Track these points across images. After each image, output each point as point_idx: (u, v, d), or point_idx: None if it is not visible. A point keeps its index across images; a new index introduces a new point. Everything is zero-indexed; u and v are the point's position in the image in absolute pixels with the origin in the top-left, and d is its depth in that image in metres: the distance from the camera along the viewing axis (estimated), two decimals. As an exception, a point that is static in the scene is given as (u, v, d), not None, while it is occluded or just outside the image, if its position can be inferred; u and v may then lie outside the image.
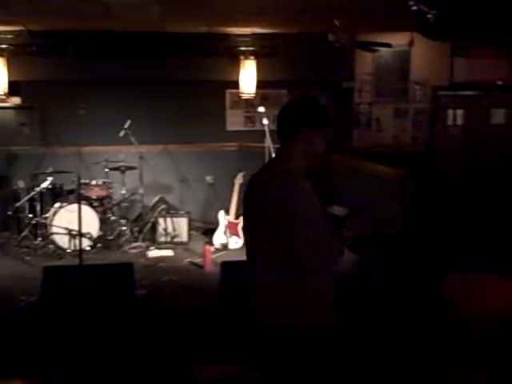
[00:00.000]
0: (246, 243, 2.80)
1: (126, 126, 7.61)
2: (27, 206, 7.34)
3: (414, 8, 5.88)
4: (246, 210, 2.76)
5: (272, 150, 6.15)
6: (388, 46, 8.55)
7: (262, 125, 6.42)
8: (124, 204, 7.83)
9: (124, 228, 7.56)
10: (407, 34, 8.80)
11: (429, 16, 6.01)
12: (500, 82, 9.12)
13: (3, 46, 7.99)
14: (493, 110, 9.29)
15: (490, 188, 8.14)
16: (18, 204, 7.42)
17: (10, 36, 8.00)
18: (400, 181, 6.23)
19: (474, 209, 7.82)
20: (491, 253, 7.02)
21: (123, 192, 7.71)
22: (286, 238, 2.51)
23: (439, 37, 7.81)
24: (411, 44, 8.94)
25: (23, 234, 7.30)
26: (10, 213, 7.50)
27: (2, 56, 7.98)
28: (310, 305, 2.57)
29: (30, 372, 4.42)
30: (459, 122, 9.26)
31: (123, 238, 7.47)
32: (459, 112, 9.23)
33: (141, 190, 7.75)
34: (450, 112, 9.24)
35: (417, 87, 9.12)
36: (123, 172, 7.61)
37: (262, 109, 6.47)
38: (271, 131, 6.26)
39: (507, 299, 6.13)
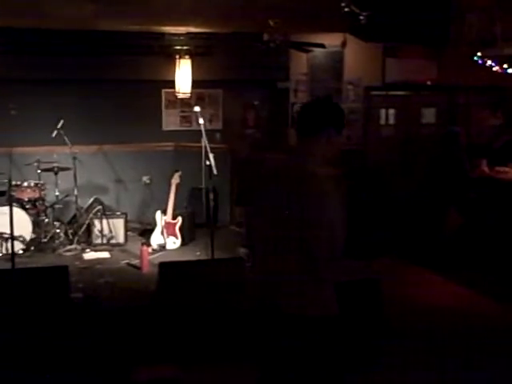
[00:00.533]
0: (252, 228, 3.07)
1: (59, 125, 7.47)
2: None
3: (346, 9, 6.00)
4: (262, 197, 2.88)
5: (208, 149, 6.15)
6: (322, 46, 8.70)
7: (198, 124, 6.40)
8: (58, 206, 7.67)
9: (58, 230, 7.41)
10: (340, 35, 8.98)
11: (361, 17, 6.15)
12: (429, 83, 9.40)
13: None
14: (423, 110, 9.56)
15: (419, 185, 8.38)
16: None
17: None
18: (335, 179, 6.33)
19: (404, 206, 8.05)
20: (419, 247, 7.27)
21: (57, 193, 7.55)
22: (310, 222, 2.65)
23: (371, 38, 7.98)
24: (344, 45, 9.11)
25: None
26: None
27: None
28: (318, 292, 2.69)
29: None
30: (391, 121, 9.49)
31: (58, 241, 7.33)
32: (391, 111, 9.46)
33: (75, 192, 7.61)
34: (383, 111, 9.45)
35: (350, 87, 9.29)
36: (56, 173, 7.46)
37: (197, 108, 6.47)
38: (207, 131, 6.26)
39: (434, 293, 6.35)
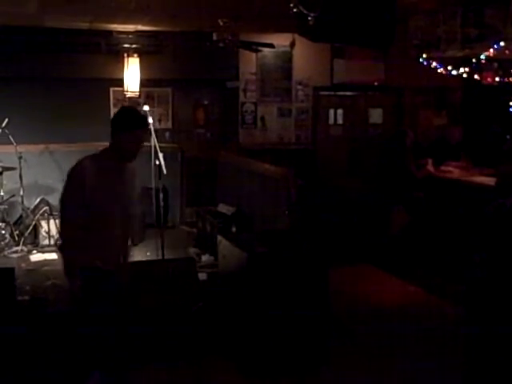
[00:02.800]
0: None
1: (4, 124, 7.30)
2: None
3: (295, 10, 6.04)
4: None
5: (158, 148, 6.11)
6: (271, 46, 8.74)
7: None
8: (3, 206, 7.48)
9: (4, 232, 7.23)
10: (289, 35, 9.05)
11: (309, 18, 6.21)
12: (376, 83, 9.56)
13: None
14: (371, 110, 9.73)
15: (366, 184, 8.52)
16: None
17: None
18: (285, 178, 6.39)
19: (352, 205, 8.18)
20: (369, 246, 7.39)
21: (1, 194, 7.38)
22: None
23: (319, 39, 8.06)
24: (293, 45, 9.19)
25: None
26: None
27: None
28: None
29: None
30: (340, 121, 9.62)
31: (3, 242, 7.16)
32: (339, 111, 9.59)
33: (21, 192, 7.44)
34: (331, 111, 9.57)
35: (299, 87, 9.37)
36: (1, 173, 7.30)
37: (146, 107, 6.41)
38: (157, 130, 6.22)
39: (384, 291, 6.47)
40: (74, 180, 3.60)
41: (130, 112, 3.83)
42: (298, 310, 4.62)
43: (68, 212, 3.65)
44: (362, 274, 6.89)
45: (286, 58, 9.25)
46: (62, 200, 3.69)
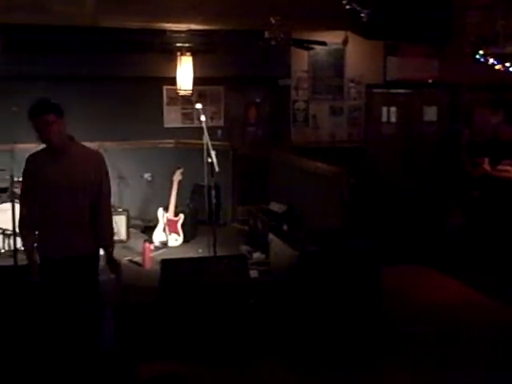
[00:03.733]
0: None
1: (61, 122, 7.43)
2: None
3: (348, 7, 6.00)
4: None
5: (210, 146, 6.15)
6: (323, 44, 8.69)
7: (200, 121, 6.40)
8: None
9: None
10: (342, 33, 8.98)
11: (362, 15, 6.15)
12: (431, 81, 9.40)
13: None
14: (425, 108, 9.56)
15: (421, 184, 8.38)
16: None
17: None
18: (338, 177, 6.35)
19: (406, 204, 8.05)
20: (423, 246, 7.26)
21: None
22: None
23: (372, 36, 7.98)
24: (345, 42, 9.12)
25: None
26: None
27: None
28: None
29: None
30: (393, 119, 9.49)
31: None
32: (393, 109, 9.46)
33: (77, 188, 7.60)
34: (384, 109, 9.46)
35: (351, 85, 9.30)
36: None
37: (199, 105, 6.45)
38: (209, 128, 6.26)
39: (438, 292, 6.35)
40: (23, 175, 3.92)
41: (32, 104, 3.89)
42: (349, 310, 4.59)
43: (20, 202, 3.94)
44: (415, 275, 6.78)
45: (339, 56, 9.18)
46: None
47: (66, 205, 3.80)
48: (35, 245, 3.91)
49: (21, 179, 7.03)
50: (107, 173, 4.03)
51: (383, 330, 4.85)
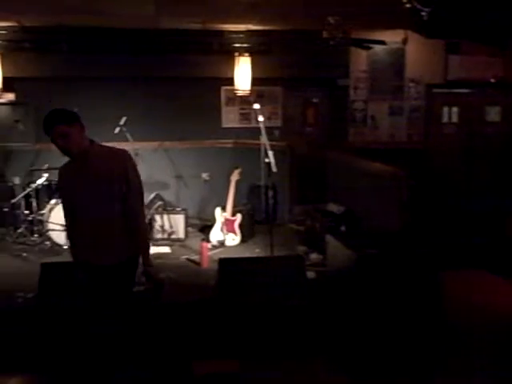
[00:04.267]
0: None
1: (122, 122, 7.58)
2: (23, 203, 7.32)
3: (408, 6, 5.90)
4: None
5: (268, 146, 6.16)
6: (382, 43, 8.59)
7: (258, 121, 6.42)
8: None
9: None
10: (401, 32, 8.85)
11: (422, 14, 6.04)
12: (493, 80, 9.17)
13: (-4, 42, 7.98)
14: (488, 108, 9.33)
15: (484, 185, 8.19)
16: (13, 200, 7.41)
17: (3, 32, 7.99)
18: (397, 178, 6.25)
19: (467, 207, 7.88)
20: (485, 251, 7.07)
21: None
22: None
23: (433, 35, 7.84)
24: (405, 41, 8.98)
25: (19, 230, 7.30)
26: (6, 209, 7.50)
27: (-6, 52, 7.97)
28: None
29: (29, 369, 4.42)
30: (454, 119, 9.30)
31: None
32: (454, 109, 9.27)
33: (137, 187, 7.73)
34: (445, 109, 9.28)
35: (411, 85, 9.16)
36: (119, 169, 7.59)
37: (257, 106, 6.47)
38: (266, 128, 6.27)
39: (500, 296, 6.17)
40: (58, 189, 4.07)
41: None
42: (407, 315, 4.52)
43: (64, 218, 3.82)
44: (476, 279, 6.61)
45: (398, 55, 9.06)
46: None
47: (93, 213, 3.63)
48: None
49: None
50: (136, 172, 3.74)
51: (442, 337, 4.75)
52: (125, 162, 3.66)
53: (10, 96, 8.55)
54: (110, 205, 3.63)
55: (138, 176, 3.73)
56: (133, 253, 3.74)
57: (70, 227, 3.81)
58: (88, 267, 3.73)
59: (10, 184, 8.09)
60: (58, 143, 3.52)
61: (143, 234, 3.80)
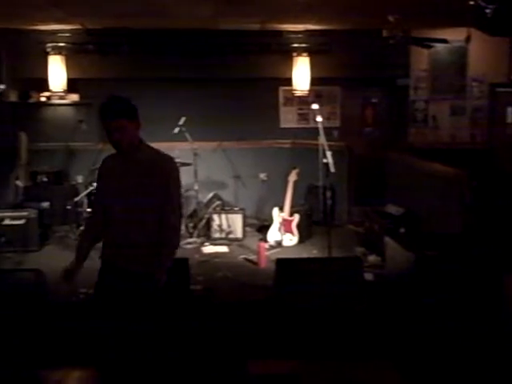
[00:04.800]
0: None
1: (181, 122, 7.68)
2: (86, 201, 7.50)
3: (471, 2, 5.76)
4: None
5: (326, 147, 6.13)
6: (444, 41, 8.40)
7: (316, 122, 6.40)
8: (179, 200, 7.92)
9: (179, 224, 7.63)
10: (464, 30, 8.64)
11: (486, 11, 5.88)
12: (560, 79, 8.85)
13: (62, 45, 8.24)
14: (554, 109, 9.02)
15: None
16: (76, 198, 7.59)
17: (68, 34, 8.24)
18: (459, 179, 6.12)
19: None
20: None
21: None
22: None
23: (497, 32, 7.62)
24: (468, 40, 8.75)
25: (82, 227, 7.49)
26: (69, 207, 7.70)
27: (60, 54, 8.22)
28: None
29: (90, 363, 4.52)
30: (519, 119, 9.03)
31: (179, 234, 7.55)
32: (519, 109, 9.00)
33: (195, 187, 7.82)
34: (510, 109, 9.00)
35: (474, 84, 8.92)
36: (178, 168, 7.68)
37: (315, 106, 6.44)
38: (324, 128, 6.24)
39: None
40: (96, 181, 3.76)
41: (101, 105, 3.46)
42: (468, 317, 4.41)
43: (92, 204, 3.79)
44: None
45: (461, 54, 8.85)
46: None
47: (129, 214, 3.40)
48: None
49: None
50: (178, 184, 3.55)
51: (503, 341, 4.61)
52: (169, 172, 3.45)
53: (74, 97, 8.80)
54: (144, 211, 3.41)
55: (179, 188, 3.58)
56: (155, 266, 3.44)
57: (94, 217, 3.67)
58: (114, 270, 3.47)
59: (73, 183, 8.32)
60: (113, 136, 3.34)
61: (171, 248, 3.50)
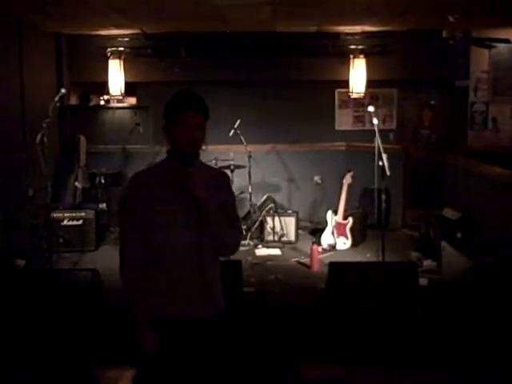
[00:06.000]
0: None
1: (236, 125, 7.72)
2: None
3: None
4: None
5: (382, 149, 6.04)
6: (506, 41, 8.17)
7: (371, 124, 6.32)
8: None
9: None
10: (527, 29, 8.40)
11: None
12: None
13: (120, 49, 8.43)
14: None
15: None
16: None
17: (126, 39, 8.42)
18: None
19: None
20: None
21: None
22: None
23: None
24: (531, 39, 8.51)
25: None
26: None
27: (119, 58, 8.40)
28: None
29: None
30: None
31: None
32: None
33: (249, 189, 7.84)
34: None
35: (537, 85, 8.66)
36: (232, 171, 7.72)
37: (371, 108, 6.37)
38: (380, 131, 6.15)
39: None
40: (125, 204, 2.74)
41: (178, 96, 2.73)
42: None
43: (125, 248, 2.72)
44: None
45: (523, 54, 8.60)
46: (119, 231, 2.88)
47: (188, 243, 2.64)
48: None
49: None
50: (235, 203, 2.86)
51: None
52: (229, 190, 2.84)
53: (132, 100, 8.97)
54: (204, 239, 2.64)
55: (237, 209, 2.88)
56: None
57: (137, 259, 2.68)
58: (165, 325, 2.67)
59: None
60: (193, 133, 2.63)
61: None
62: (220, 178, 2.81)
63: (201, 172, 2.65)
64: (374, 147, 6.08)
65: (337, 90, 8.94)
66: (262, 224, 7.70)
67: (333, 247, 7.29)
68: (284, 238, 7.64)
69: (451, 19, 6.74)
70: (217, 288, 2.75)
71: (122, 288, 2.71)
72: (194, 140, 2.66)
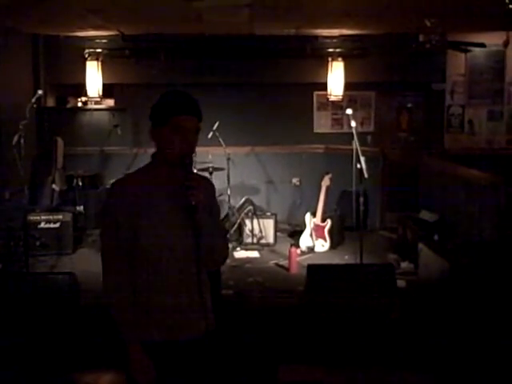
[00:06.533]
0: None
1: (215, 127, 7.70)
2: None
3: (510, 6, 5.67)
4: None
5: (360, 152, 6.08)
6: (482, 45, 8.29)
7: (350, 127, 6.36)
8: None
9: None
10: (503, 34, 8.52)
11: (526, 15, 5.79)
12: None
13: (98, 50, 8.38)
14: None
15: None
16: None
17: (104, 40, 8.37)
18: (494, 186, 6.00)
19: None
20: None
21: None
22: None
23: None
24: (507, 44, 8.63)
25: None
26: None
27: (97, 60, 8.35)
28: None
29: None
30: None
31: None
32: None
33: (228, 191, 7.83)
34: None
35: (512, 88, 8.79)
36: (211, 173, 7.69)
37: (349, 111, 6.40)
38: (358, 133, 6.19)
39: None
40: (106, 217, 2.48)
41: (171, 96, 2.51)
42: (503, 327, 4.32)
43: (108, 273, 2.47)
44: None
45: (499, 58, 8.72)
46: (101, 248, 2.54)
47: (185, 258, 2.45)
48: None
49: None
50: (219, 212, 2.76)
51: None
52: (215, 197, 2.67)
53: (110, 102, 8.92)
54: (198, 251, 2.46)
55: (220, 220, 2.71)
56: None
57: (125, 278, 2.44)
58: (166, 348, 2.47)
59: (108, 187, 8.41)
60: (188, 137, 2.43)
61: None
62: (207, 187, 2.57)
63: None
64: (352, 150, 6.11)
65: (315, 93, 8.97)
66: (241, 226, 7.70)
67: (311, 249, 7.31)
68: (263, 241, 7.64)
69: (428, 23, 6.80)
70: (210, 304, 2.58)
71: (110, 314, 2.46)
72: (189, 144, 2.44)
